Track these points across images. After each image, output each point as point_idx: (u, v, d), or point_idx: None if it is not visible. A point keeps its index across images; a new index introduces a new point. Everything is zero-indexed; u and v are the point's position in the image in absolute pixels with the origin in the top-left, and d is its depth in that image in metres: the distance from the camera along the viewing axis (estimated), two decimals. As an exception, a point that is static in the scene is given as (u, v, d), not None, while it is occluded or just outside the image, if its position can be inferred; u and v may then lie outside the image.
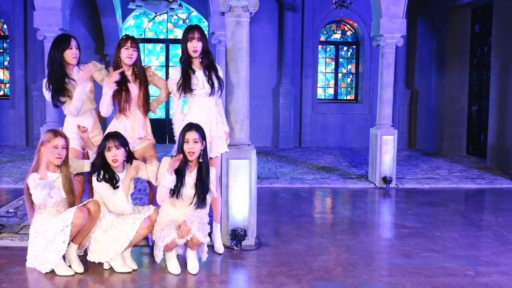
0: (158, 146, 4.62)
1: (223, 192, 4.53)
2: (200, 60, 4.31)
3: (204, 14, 11.95)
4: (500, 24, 9.11)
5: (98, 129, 4.46)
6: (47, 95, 4.30)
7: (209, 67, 4.30)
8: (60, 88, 4.24)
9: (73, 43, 4.28)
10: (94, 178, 3.90)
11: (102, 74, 4.41)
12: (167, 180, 3.83)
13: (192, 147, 3.86)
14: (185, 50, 4.27)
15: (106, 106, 4.21)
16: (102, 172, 3.87)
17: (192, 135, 3.86)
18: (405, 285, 3.72)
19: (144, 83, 4.37)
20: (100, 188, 3.89)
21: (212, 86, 4.27)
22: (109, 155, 3.87)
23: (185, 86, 4.23)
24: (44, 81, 4.33)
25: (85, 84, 4.22)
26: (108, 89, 4.18)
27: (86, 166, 4.09)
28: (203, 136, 3.93)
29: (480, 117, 10.53)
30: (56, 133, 3.83)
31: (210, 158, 4.26)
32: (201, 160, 3.95)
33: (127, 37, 4.30)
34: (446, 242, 4.80)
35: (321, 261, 4.22)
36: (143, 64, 4.50)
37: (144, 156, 4.30)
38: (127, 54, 4.25)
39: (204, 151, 3.96)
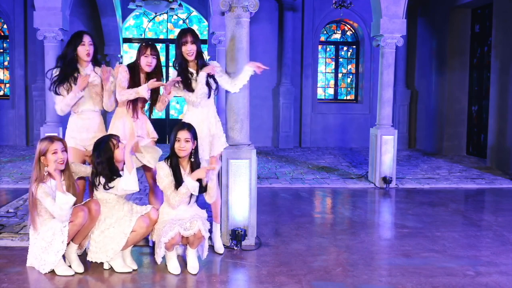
0: (158, 146, 4.62)
1: (223, 192, 4.53)
2: (195, 62, 4.33)
3: (204, 14, 11.96)
4: (500, 24, 9.11)
5: (100, 132, 4.46)
6: (49, 81, 4.33)
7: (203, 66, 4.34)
8: (65, 79, 4.25)
9: (86, 39, 4.30)
10: (100, 189, 3.89)
11: (113, 84, 4.43)
12: (192, 186, 3.87)
13: (183, 146, 3.88)
14: (179, 54, 4.29)
15: (126, 98, 4.23)
16: (109, 178, 3.87)
17: (183, 134, 3.89)
18: (405, 285, 3.72)
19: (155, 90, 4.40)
20: (109, 190, 3.91)
21: (209, 87, 4.31)
22: (118, 152, 3.91)
23: (186, 87, 4.26)
24: (51, 71, 4.34)
25: (78, 94, 4.22)
26: (144, 93, 4.19)
27: (88, 171, 4.09)
28: (194, 136, 3.96)
29: (480, 117, 10.53)
30: (52, 138, 3.81)
31: (212, 156, 4.32)
32: (192, 159, 3.97)
33: (147, 45, 4.31)
34: (446, 242, 4.80)
35: (321, 261, 4.22)
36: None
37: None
38: (146, 62, 4.29)
39: (195, 151, 3.98)
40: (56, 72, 4.32)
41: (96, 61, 4.44)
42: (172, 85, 4.32)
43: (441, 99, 11.00)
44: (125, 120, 4.33)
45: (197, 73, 4.31)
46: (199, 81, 4.29)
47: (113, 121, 4.38)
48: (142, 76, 4.35)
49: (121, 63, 11.77)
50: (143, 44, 4.34)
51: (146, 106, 4.52)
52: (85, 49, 4.29)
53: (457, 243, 4.78)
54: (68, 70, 4.27)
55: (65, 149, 3.83)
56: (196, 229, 3.79)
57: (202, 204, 4.26)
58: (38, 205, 3.76)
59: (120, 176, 3.89)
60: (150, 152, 4.33)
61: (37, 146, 3.82)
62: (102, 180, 3.87)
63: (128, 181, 3.83)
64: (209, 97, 4.35)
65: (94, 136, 4.37)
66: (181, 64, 4.31)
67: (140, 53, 4.31)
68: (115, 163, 3.91)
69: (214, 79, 4.37)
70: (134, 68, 4.32)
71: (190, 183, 3.87)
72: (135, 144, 4.16)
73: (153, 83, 4.20)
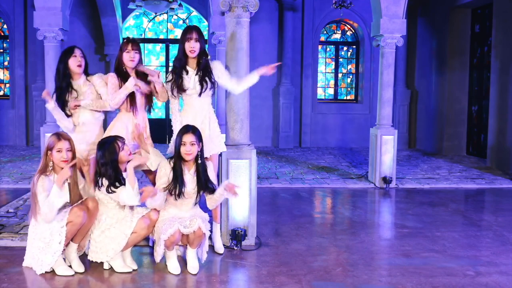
0: (158, 146, 4.62)
1: (223, 192, 4.52)
2: (196, 60, 4.31)
3: (204, 14, 11.96)
4: (500, 24, 9.11)
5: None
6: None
7: (204, 68, 4.29)
8: (61, 97, 4.28)
9: (77, 52, 4.33)
10: (102, 190, 3.89)
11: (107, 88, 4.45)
12: (156, 202, 3.91)
13: (189, 149, 3.89)
14: (181, 50, 4.27)
15: (119, 99, 4.23)
16: (112, 181, 3.87)
17: (189, 138, 3.89)
18: (405, 285, 3.72)
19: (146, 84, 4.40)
20: (111, 195, 3.92)
21: (202, 86, 4.25)
22: (123, 154, 3.91)
23: (177, 86, 4.24)
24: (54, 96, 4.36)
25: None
26: (131, 86, 4.21)
27: (84, 190, 4.10)
28: (199, 138, 3.95)
29: (480, 117, 10.53)
30: (60, 136, 3.83)
31: (206, 157, 4.30)
32: (199, 161, 3.98)
33: (128, 40, 4.33)
34: (446, 242, 4.80)
35: (321, 261, 4.22)
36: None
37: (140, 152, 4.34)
38: (129, 58, 4.30)
39: (200, 152, 3.99)
40: (53, 95, 4.32)
41: (87, 74, 4.44)
42: (155, 75, 4.32)
43: (441, 99, 11.00)
44: (128, 123, 4.32)
45: (197, 72, 4.28)
46: (192, 80, 4.25)
47: (114, 122, 4.35)
48: (129, 71, 4.34)
49: None
50: (124, 40, 4.36)
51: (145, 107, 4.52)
52: (76, 61, 4.29)
53: (457, 243, 4.78)
54: (63, 86, 4.28)
55: (70, 149, 3.84)
56: (196, 227, 3.79)
57: (202, 204, 4.25)
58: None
59: (123, 181, 3.88)
60: (155, 155, 4.31)
61: (47, 140, 3.88)
62: (105, 182, 3.87)
63: (129, 196, 3.83)
64: (199, 95, 4.27)
65: (92, 148, 4.32)
66: (180, 60, 4.28)
67: (122, 50, 4.32)
68: (119, 164, 3.91)
69: (211, 79, 4.32)
70: (119, 69, 4.34)
71: (153, 201, 3.92)
72: (141, 136, 4.16)
73: (135, 78, 4.25)
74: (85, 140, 4.34)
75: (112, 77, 4.32)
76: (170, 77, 4.29)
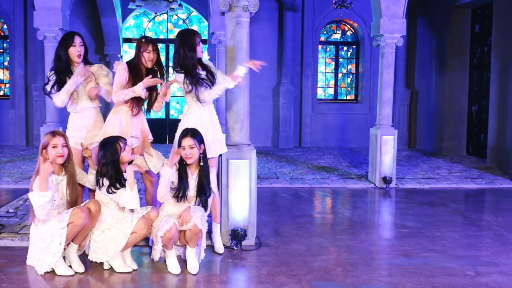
0: (158, 146, 4.62)
1: (223, 192, 4.53)
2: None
3: (204, 14, 11.96)
4: (500, 24, 9.11)
5: (99, 130, 4.45)
6: (48, 86, 4.35)
7: (204, 66, 4.34)
8: (61, 81, 4.30)
9: (77, 40, 4.35)
10: (103, 190, 3.90)
11: (109, 78, 4.47)
12: (167, 173, 3.86)
13: (189, 153, 3.91)
14: (192, 54, 4.22)
15: (122, 99, 4.24)
16: (113, 182, 3.87)
17: (187, 142, 3.91)
18: (405, 285, 3.72)
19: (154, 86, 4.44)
20: (111, 195, 3.92)
21: (212, 83, 4.28)
22: (125, 154, 3.92)
23: (198, 81, 4.22)
24: (48, 74, 4.39)
25: (77, 79, 4.25)
26: (140, 91, 4.20)
27: (89, 180, 4.10)
28: (200, 141, 3.95)
29: (480, 117, 10.54)
30: (54, 133, 3.87)
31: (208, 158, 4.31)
32: (201, 163, 3.98)
33: (148, 40, 4.32)
34: (446, 242, 4.80)
35: (321, 261, 4.22)
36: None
37: (142, 153, 4.35)
38: (148, 58, 4.31)
39: (203, 155, 3.98)
40: (52, 75, 4.34)
41: (86, 61, 4.47)
42: (168, 86, 4.34)
43: (441, 99, 11.00)
44: (122, 118, 4.34)
45: (203, 70, 4.32)
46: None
47: (110, 117, 4.38)
48: (143, 74, 4.35)
49: (121, 56, 11.77)
50: (143, 40, 4.34)
51: (145, 105, 4.53)
52: (76, 50, 4.33)
53: (457, 243, 4.78)
54: (63, 72, 4.32)
55: (66, 145, 3.85)
56: (192, 224, 3.79)
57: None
58: None
59: (123, 183, 3.89)
60: (158, 158, 4.32)
61: (42, 139, 3.89)
62: (106, 182, 3.87)
63: (129, 199, 3.84)
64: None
65: (93, 135, 4.38)
66: (192, 60, 4.25)
67: (141, 49, 4.31)
68: (120, 165, 3.92)
69: (213, 75, 4.34)
70: (135, 66, 4.33)
71: (163, 170, 3.90)
72: (144, 140, 4.18)
73: (148, 80, 4.22)
74: (84, 126, 4.40)
75: (122, 68, 4.28)
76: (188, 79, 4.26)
